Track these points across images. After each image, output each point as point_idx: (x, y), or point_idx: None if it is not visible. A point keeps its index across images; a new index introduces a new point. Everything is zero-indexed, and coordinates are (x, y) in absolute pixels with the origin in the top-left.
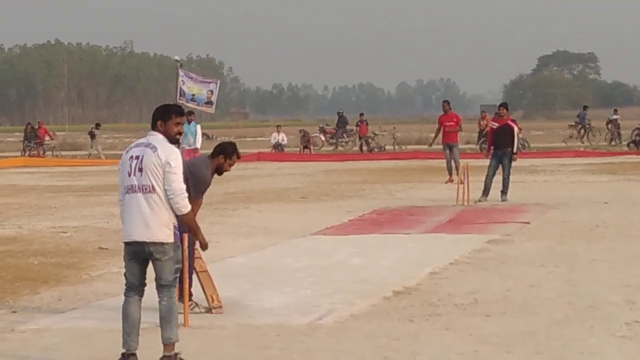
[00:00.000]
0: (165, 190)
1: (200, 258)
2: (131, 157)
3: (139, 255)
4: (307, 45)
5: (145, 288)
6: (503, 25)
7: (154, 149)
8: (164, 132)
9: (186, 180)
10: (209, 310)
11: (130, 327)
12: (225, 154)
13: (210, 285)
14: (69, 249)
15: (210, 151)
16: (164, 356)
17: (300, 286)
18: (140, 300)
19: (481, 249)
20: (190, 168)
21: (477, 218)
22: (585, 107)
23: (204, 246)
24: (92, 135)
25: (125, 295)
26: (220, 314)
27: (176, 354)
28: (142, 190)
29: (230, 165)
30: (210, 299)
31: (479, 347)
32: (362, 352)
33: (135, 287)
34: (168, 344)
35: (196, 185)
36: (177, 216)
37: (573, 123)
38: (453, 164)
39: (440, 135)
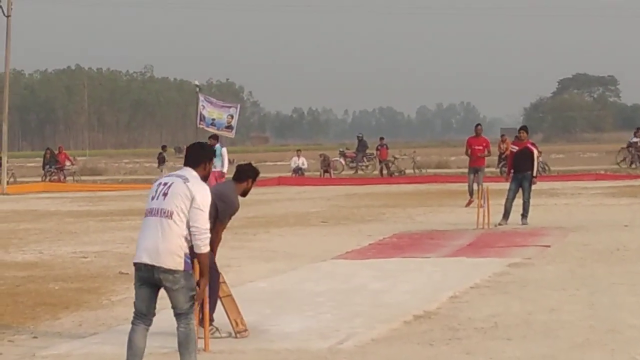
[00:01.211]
0: (189, 227)
1: (225, 283)
2: (160, 183)
3: (149, 281)
4: (327, 69)
5: (155, 318)
6: (523, 49)
7: (185, 180)
8: (203, 172)
9: (214, 207)
10: (231, 335)
11: (133, 356)
12: (252, 177)
13: (234, 309)
14: (90, 274)
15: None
16: None
17: (321, 310)
18: (147, 329)
19: (501, 272)
20: (219, 195)
21: (497, 242)
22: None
23: (202, 290)
24: (162, 160)
25: (132, 323)
26: (243, 338)
27: None
28: (161, 214)
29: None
30: (234, 323)
31: None
32: None
33: (142, 316)
34: None
35: (225, 210)
36: (190, 247)
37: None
38: (475, 187)
39: (468, 158)
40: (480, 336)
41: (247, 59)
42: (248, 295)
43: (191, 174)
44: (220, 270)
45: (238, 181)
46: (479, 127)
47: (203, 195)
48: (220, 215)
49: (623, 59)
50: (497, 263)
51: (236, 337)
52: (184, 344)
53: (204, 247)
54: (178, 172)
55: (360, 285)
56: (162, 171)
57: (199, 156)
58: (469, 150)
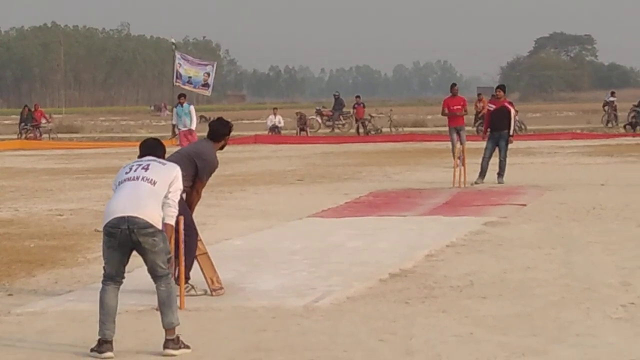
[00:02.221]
0: (167, 196)
1: (201, 241)
2: (133, 164)
3: (124, 244)
4: (304, 27)
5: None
6: (500, 7)
7: (162, 162)
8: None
9: (194, 166)
10: (207, 292)
11: (105, 315)
12: (227, 134)
13: (209, 267)
14: (66, 232)
15: (205, 133)
16: (167, 340)
17: (297, 268)
18: (118, 289)
19: (477, 231)
20: (198, 154)
21: (473, 200)
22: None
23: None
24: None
25: (102, 283)
26: (219, 296)
27: (178, 337)
28: (143, 179)
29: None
30: (210, 281)
31: (475, 329)
32: (358, 335)
33: (112, 277)
34: (170, 328)
35: (205, 168)
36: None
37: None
38: (459, 146)
39: (447, 119)
40: (456, 294)
41: (224, 17)
42: (224, 253)
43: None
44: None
45: (214, 140)
46: (455, 87)
47: (179, 172)
48: (200, 173)
49: (600, 18)
50: (473, 222)
51: (212, 295)
52: (167, 302)
53: (172, 219)
54: (148, 158)
55: (336, 244)
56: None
57: (159, 148)
58: (446, 110)
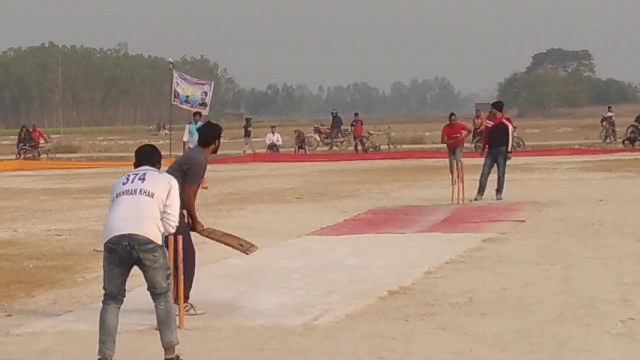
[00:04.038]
0: (166, 210)
1: (215, 231)
2: (130, 174)
3: (125, 261)
4: (301, 45)
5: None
6: (497, 24)
7: (158, 171)
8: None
9: (182, 173)
10: (205, 312)
11: (106, 335)
12: (217, 136)
13: (230, 237)
14: (64, 252)
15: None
16: (167, 359)
17: (296, 287)
18: (119, 308)
19: (476, 247)
20: (183, 160)
21: (472, 217)
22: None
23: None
24: (248, 133)
25: (103, 302)
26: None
27: (178, 356)
28: (139, 192)
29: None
30: (239, 247)
31: (474, 346)
32: (357, 353)
33: (113, 297)
34: (169, 347)
35: (192, 168)
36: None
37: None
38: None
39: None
40: (455, 311)
41: (221, 36)
42: (223, 271)
43: (155, 169)
44: (195, 247)
45: (205, 145)
46: (453, 117)
47: (176, 183)
48: (188, 177)
49: (597, 33)
50: (472, 238)
51: (247, 255)
52: (166, 321)
53: (172, 231)
54: (144, 167)
55: (335, 262)
56: (246, 144)
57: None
58: (445, 138)
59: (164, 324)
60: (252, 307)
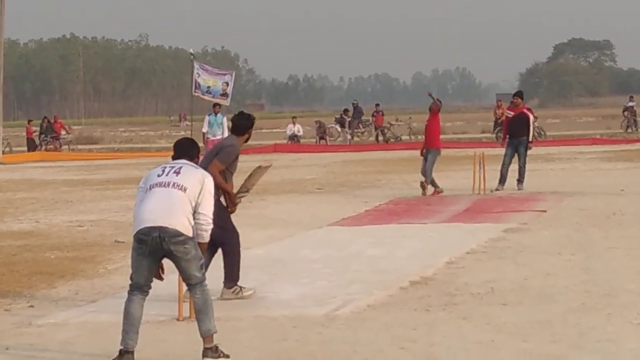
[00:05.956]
0: (197, 209)
1: (244, 185)
2: (166, 166)
3: (155, 252)
4: (322, 36)
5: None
6: (518, 14)
7: (194, 166)
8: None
9: (214, 156)
10: (254, 291)
11: (130, 326)
12: (250, 126)
13: (256, 176)
14: (86, 243)
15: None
16: (206, 348)
17: (317, 277)
18: (144, 299)
19: (498, 238)
20: (220, 147)
21: (493, 207)
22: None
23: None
24: (342, 123)
25: (129, 293)
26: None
27: (217, 346)
28: (172, 185)
29: None
30: (264, 170)
31: (496, 336)
32: (379, 343)
33: (140, 287)
34: (207, 335)
35: (223, 154)
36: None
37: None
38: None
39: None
40: (477, 301)
41: (242, 27)
42: (245, 262)
43: (192, 164)
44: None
45: (239, 135)
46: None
47: (211, 180)
48: (219, 155)
49: (619, 23)
50: (493, 228)
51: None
52: (203, 309)
53: (207, 237)
54: (181, 161)
55: (356, 252)
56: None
57: (194, 148)
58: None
59: (201, 312)
60: (274, 298)
